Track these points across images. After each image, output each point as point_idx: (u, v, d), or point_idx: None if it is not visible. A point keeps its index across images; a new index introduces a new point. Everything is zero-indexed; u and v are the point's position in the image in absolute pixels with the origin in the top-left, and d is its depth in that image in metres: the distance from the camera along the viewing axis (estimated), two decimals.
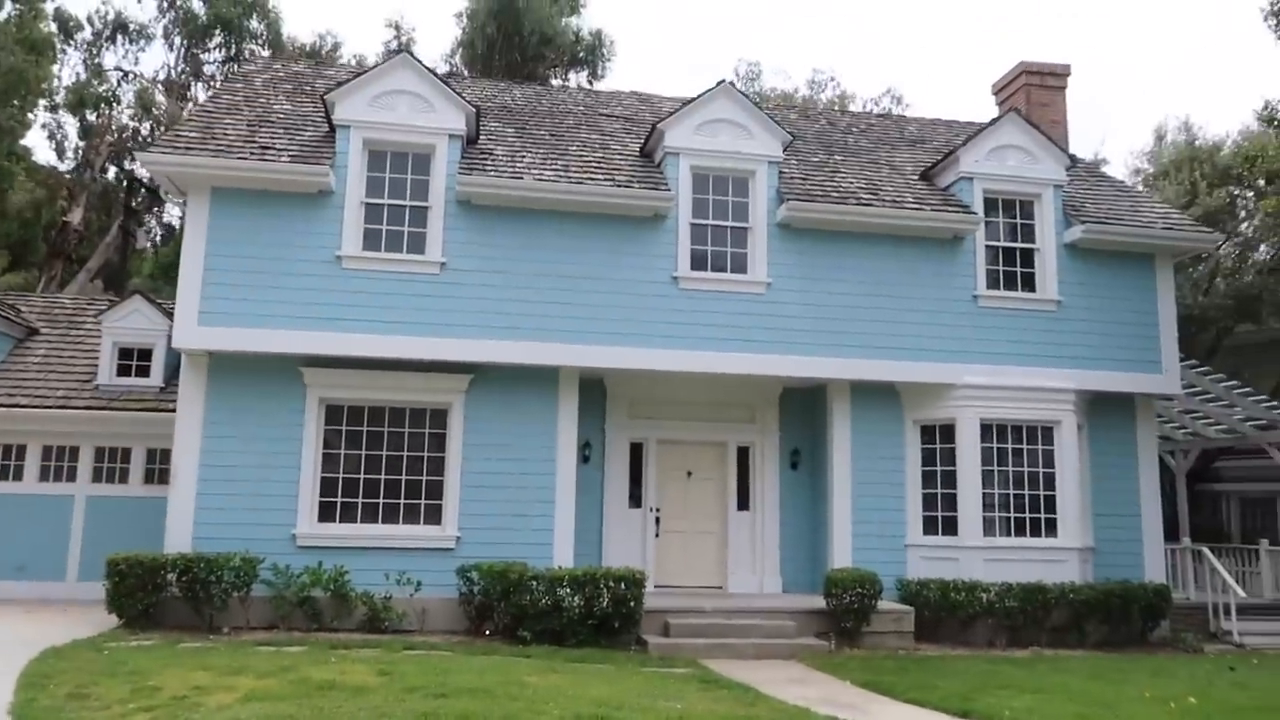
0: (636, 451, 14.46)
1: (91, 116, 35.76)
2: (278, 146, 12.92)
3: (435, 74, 13.55)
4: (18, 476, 14.90)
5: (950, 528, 13.53)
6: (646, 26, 56.12)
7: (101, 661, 8.78)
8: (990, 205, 14.38)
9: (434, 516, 12.73)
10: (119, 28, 36.55)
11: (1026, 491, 13.68)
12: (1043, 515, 13.64)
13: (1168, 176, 26.80)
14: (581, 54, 33.37)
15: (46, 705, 6.99)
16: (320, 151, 12.93)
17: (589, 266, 13.12)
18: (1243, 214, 26.25)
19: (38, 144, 65.08)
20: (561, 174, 13.36)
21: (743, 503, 14.55)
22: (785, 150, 14.09)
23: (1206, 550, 15.23)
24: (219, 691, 7.43)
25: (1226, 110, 50.62)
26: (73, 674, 8.06)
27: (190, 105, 36.65)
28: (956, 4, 57.81)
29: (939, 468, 13.75)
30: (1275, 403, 18.46)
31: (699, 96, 13.84)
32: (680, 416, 14.54)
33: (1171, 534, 16.43)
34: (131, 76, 36.98)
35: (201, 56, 37.05)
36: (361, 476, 12.69)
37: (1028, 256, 14.41)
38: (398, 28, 33.78)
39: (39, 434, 14.91)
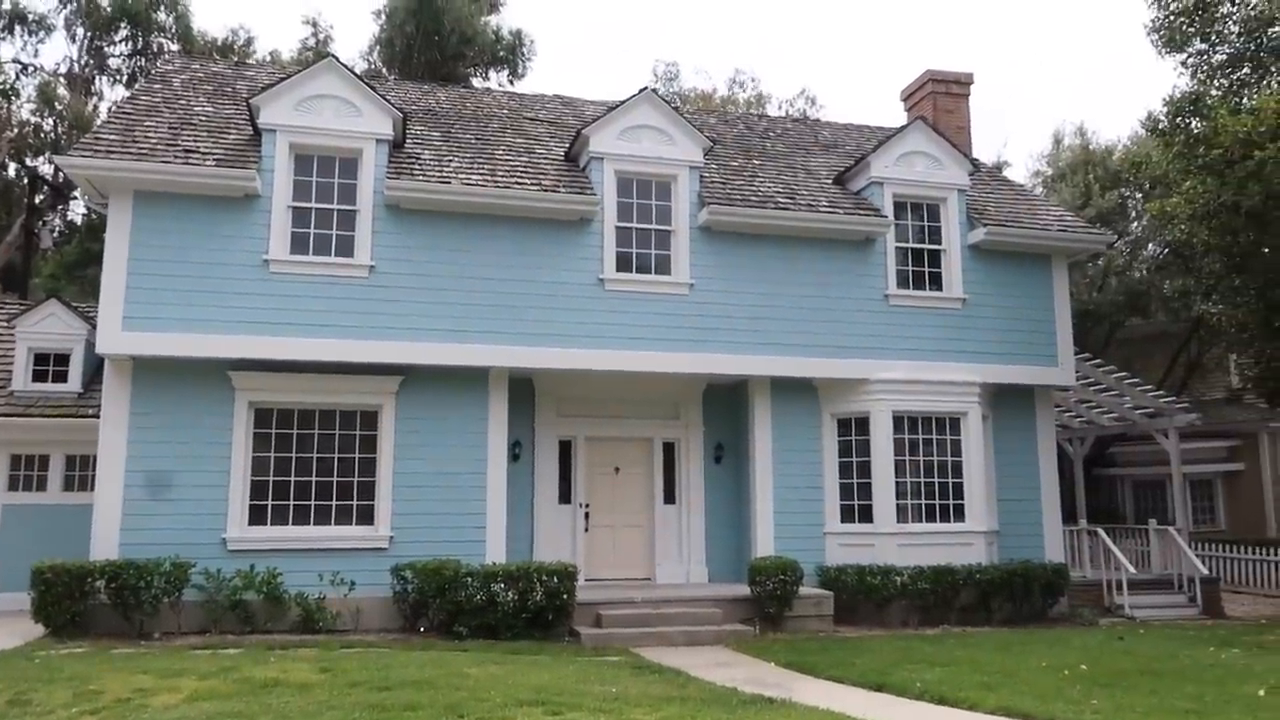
0: (565, 449, 14.81)
1: None
2: (202, 150, 12.87)
3: (361, 78, 13.66)
4: None
5: (866, 515, 14.24)
6: (566, 25, 56.31)
7: (34, 669, 8.76)
8: (899, 208, 15.13)
9: (366, 517, 12.87)
10: (16, 18, 35.13)
11: (936, 479, 14.47)
12: (951, 501, 14.45)
13: (1064, 179, 28.25)
14: (502, 53, 33.40)
15: None
16: (245, 155, 12.92)
17: (517, 269, 13.41)
18: (1133, 215, 27.85)
19: None
20: (489, 178, 13.61)
21: (669, 496, 15.03)
22: (706, 155, 14.60)
23: (1101, 531, 16.28)
24: (163, 693, 7.55)
25: (1119, 116, 53.28)
26: (7, 682, 8.05)
27: (95, 101, 35.55)
28: (869, 7, 59.46)
29: (855, 459, 14.46)
30: (1162, 392, 19.81)
31: (622, 103, 14.24)
32: (608, 414, 14.93)
33: (1070, 516, 17.51)
34: (31, 70, 35.63)
35: (106, 50, 35.89)
36: (293, 479, 12.75)
37: (935, 257, 15.21)
38: (315, 25, 33.31)
39: None
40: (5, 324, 16.36)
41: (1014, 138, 54.12)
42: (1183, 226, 15.11)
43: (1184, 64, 15.55)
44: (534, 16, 50.63)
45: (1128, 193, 27.44)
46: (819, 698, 8.24)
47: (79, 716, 6.91)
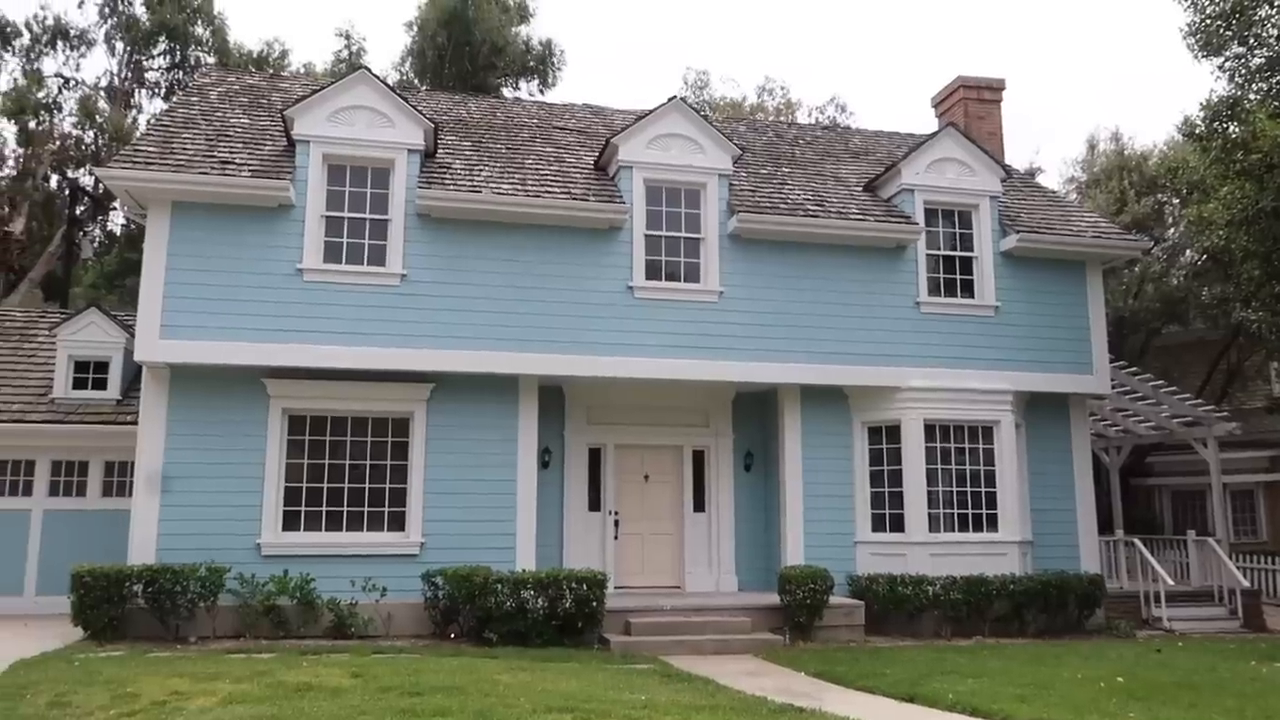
0: (595, 456, 14.84)
1: (32, 124, 35.11)
2: (238, 161, 13.08)
3: (394, 89, 13.82)
4: None
5: (897, 525, 14.13)
6: (596, 35, 56.60)
7: (74, 672, 8.91)
8: (931, 215, 15.04)
9: (398, 523, 12.98)
10: (59, 33, 35.92)
11: (969, 488, 14.32)
12: (984, 511, 14.30)
13: (1099, 185, 27.88)
14: (532, 63, 33.64)
15: (28, 714, 7.15)
16: (280, 166, 13.11)
17: (546, 277, 13.48)
18: (1170, 221, 27.43)
19: None
20: (519, 187, 13.71)
21: (698, 504, 15.01)
22: (735, 163, 14.60)
23: (1138, 541, 16.02)
24: (199, 696, 7.65)
25: (1154, 121, 52.59)
26: (48, 684, 8.19)
27: (134, 113, 36.22)
28: (898, 14, 59.22)
29: (886, 467, 14.35)
30: (1201, 401, 19.48)
31: (651, 112, 14.29)
32: (637, 421, 14.95)
33: (1106, 527, 17.26)
34: (73, 83, 36.39)
35: (145, 63, 36.59)
36: (325, 485, 12.89)
37: (967, 264, 15.09)
38: (348, 37, 33.72)
39: None
40: (47, 332, 16.68)
41: (1047, 144, 53.64)
42: (1221, 232, 14.84)
43: (1221, 68, 15.27)
44: (564, 26, 50.99)
45: (1164, 198, 27.03)
46: (850, 708, 8.18)
47: (117, 718, 7.01)
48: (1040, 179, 27.03)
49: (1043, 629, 13.62)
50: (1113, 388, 16.22)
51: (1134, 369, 18.93)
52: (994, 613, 13.51)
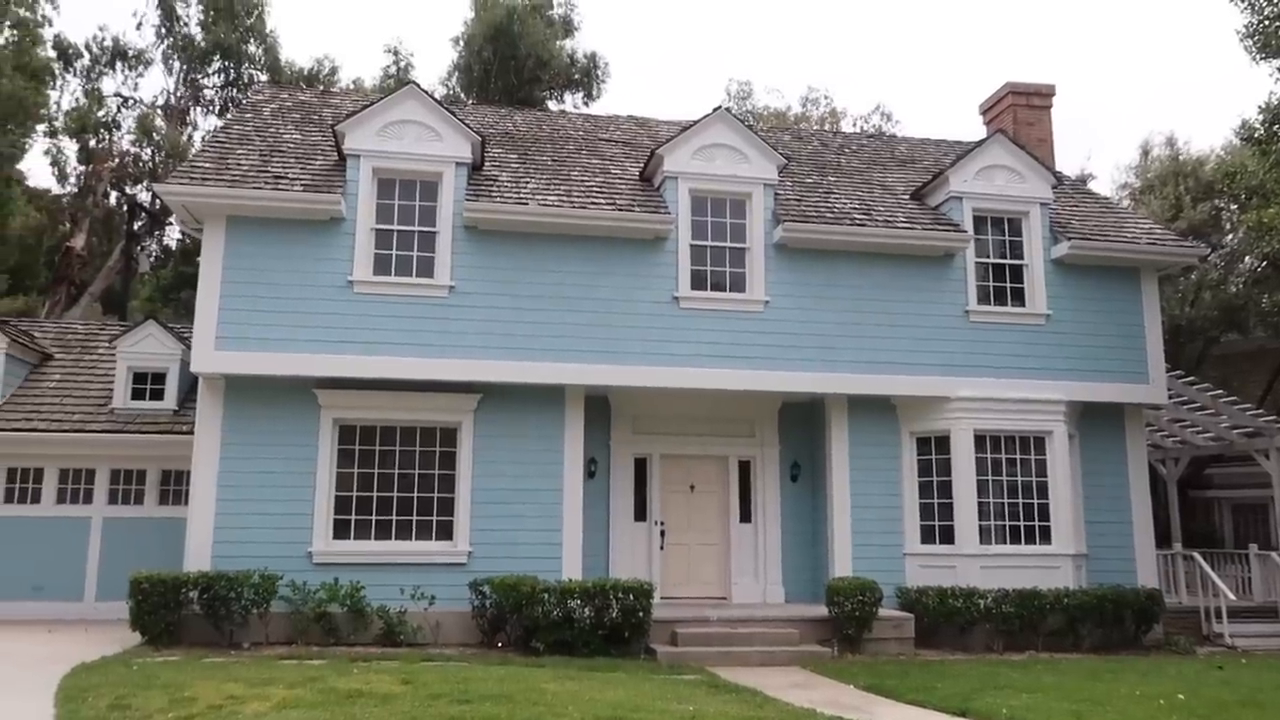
0: (641, 466, 14.84)
1: (92, 142, 36.18)
2: (290, 176, 13.34)
3: (441, 104, 14.01)
4: (35, 499, 15.22)
5: (947, 536, 13.93)
6: (639, 47, 56.89)
7: (133, 675, 9.11)
8: (979, 223, 14.86)
9: (445, 532, 13.09)
10: (117, 54, 37.00)
11: (1021, 500, 14.08)
12: (1037, 523, 14.04)
13: (1153, 191, 27.33)
14: (577, 76, 33.92)
15: (90, 716, 7.33)
16: (331, 180, 13.35)
17: (592, 288, 13.54)
18: (1228, 227, 26.78)
19: (39, 169, 65.54)
20: (565, 199, 13.80)
21: (745, 515, 14.93)
22: (780, 172, 14.56)
23: (1198, 555, 15.62)
24: (253, 701, 7.78)
25: (1210, 125, 51.47)
26: (108, 687, 8.39)
27: (190, 130, 37.15)
28: (945, 22, 58.70)
29: (935, 478, 14.16)
30: (1261, 411, 18.95)
31: (696, 122, 14.32)
32: (683, 432, 14.92)
33: (1164, 540, 16.85)
34: (131, 102, 37.43)
35: (201, 81, 37.52)
36: (375, 494, 13.05)
37: (1017, 272, 14.87)
38: (396, 53, 34.28)
39: (56, 457, 15.25)
40: (107, 344, 17.14)
41: (1099, 150, 52.72)
42: None
43: None
44: (608, 40, 51.32)
45: (1222, 204, 26.39)
46: None
47: None
48: (1092, 186, 26.55)
49: (1098, 644, 13.32)
50: (1170, 397, 15.85)
51: (1191, 378, 18.48)
52: (1047, 627, 13.24)
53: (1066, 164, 32.92)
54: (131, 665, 9.86)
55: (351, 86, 35.80)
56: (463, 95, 32.98)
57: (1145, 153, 29.82)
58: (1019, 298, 14.80)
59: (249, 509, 12.57)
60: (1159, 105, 53.24)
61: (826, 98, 38.08)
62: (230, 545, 12.38)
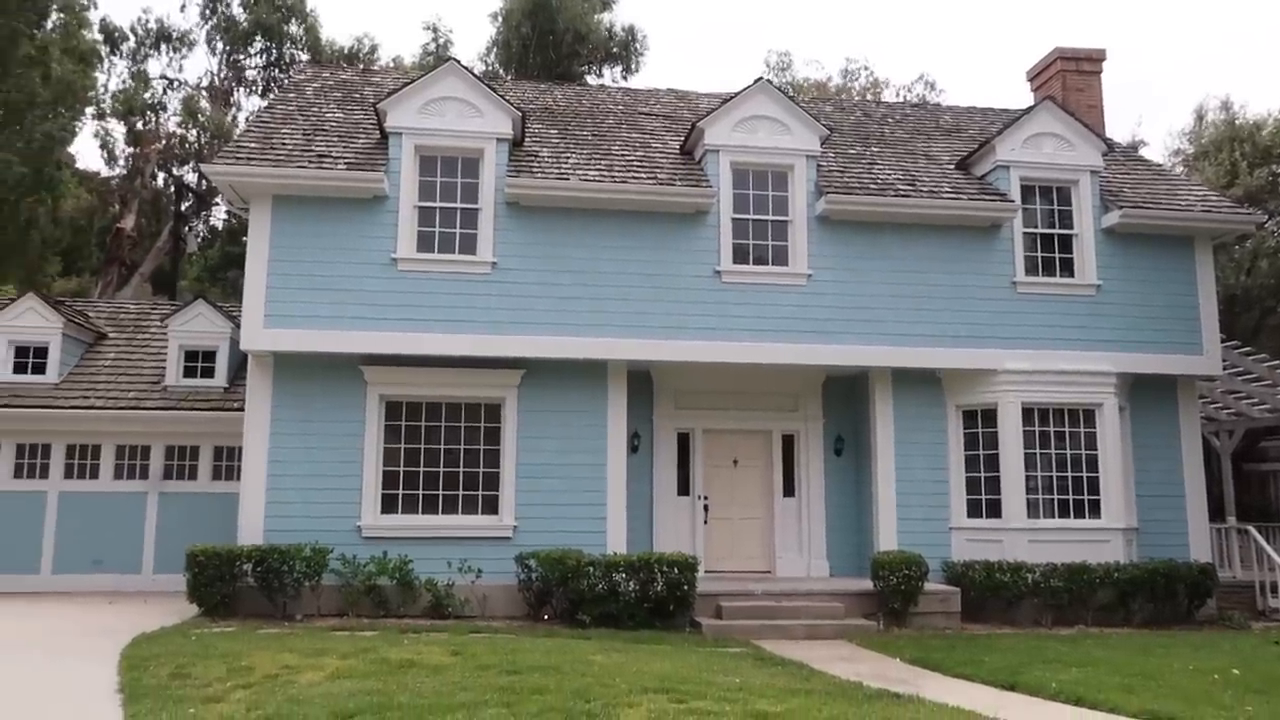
0: (684, 441, 14.86)
1: (139, 124, 36.76)
2: (334, 155, 13.45)
3: (482, 80, 14.00)
4: (94, 475, 15.63)
5: (994, 510, 13.79)
6: (677, 19, 56.33)
7: (192, 645, 9.36)
8: (1027, 192, 14.57)
9: (491, 506, 13.23)
10: (162, 36, 37.46)
11: (1070, 473, 13.88)
12: (1086, 497, 13.84)
13: (1208, 157, 26.62)
14: (615, 50, 33.74)
15: (153, 684, 7.54)
16: (373, 158, 13.44)
17: (634, 263, 13.51)
18: None
19: (88, 152, 66.77)
20: (605, 174, 13.77)
21: (788, 489, 14.91)
22: (823, 144, 14.38)
23: (1252, 529, 15.32)
24: (307, 670, 7.95)
25: (1268, 87, 49.80)
26: (169, 657, 8.63)
27: (234, 111, 37.59)
28: None
29: (982, 451, 14.01)
30: None
31: (737, 94, 14.17)
32: (725, 406, 14.91)
33: (1218, 514, 16.52)
34: (176, 84, 37.92)
35: (243, 62, 37.89)
36: (421, 469, 13.22)
37: (1066, 242, 14.58)
38: (435, 30, 34.32)
39: (113, 434, 15.63)
40: (158, 324, 17.48)
41: (1151, 115, 51.29)
42: None
43: None
44: (645, 12, 50.86)
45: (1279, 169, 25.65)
46: (947, 695, 8.04)
47: (233, 690, 7.34)
48: (1144, 152, 25.93)
49: (1149, 619, 13.15)
50: (1224, 368, 15.48)
51: (1247, 349, 18.01)
52: (1097, 601, 13.09)
53: (1117, 130, 32.17)
54: (190, 635, 10.13)
55: (391, 64, 35.96)
56: (501, 71, 32.98)
57: (1200, 117, 29.03)
58: (1068, 268, 14.52)
59: (299, 484, 12.80)
60: (1214, 68, 51.70)
61: (867, 69, 37.51)
62: (282, 519, 12.63)
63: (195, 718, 6.43)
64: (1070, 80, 17.51)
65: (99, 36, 35.67)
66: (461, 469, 13.29)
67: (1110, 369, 14.06)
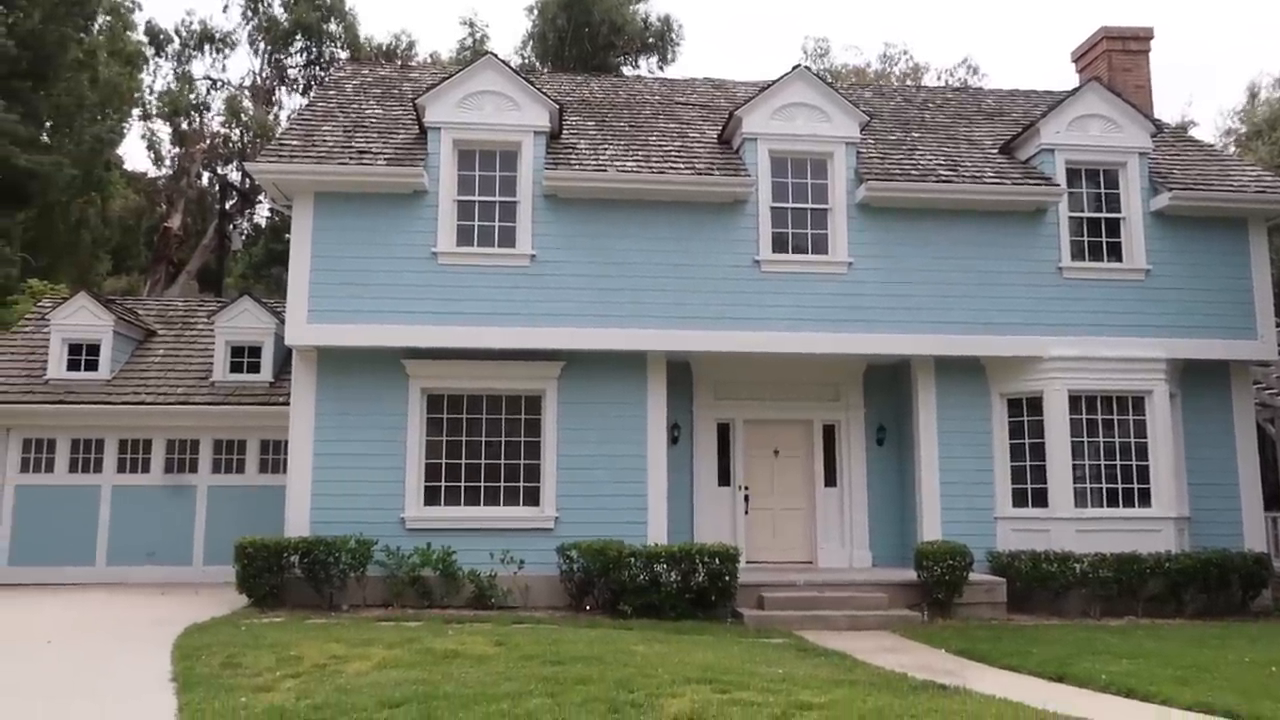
0: (724, 431, 14.82)
1: (184, 124, 37.42)
2: (373, 150, 13.57)
3: (518, 73, 14.04)
4: (145, 469, 15.98)
5: (1040, 500, 13.59)
6: (713, 7, 56.00)
7: (242, 635, 9.54)
8: (1073, 176, 14.30)
9: (532, 498, 13.31)
10: (205, 38, 38.08)
11: (1119, 462, 13.63)
12: (1135, 485, 13.59)
13: (1262, 136, 25.93)
14: (651, 40, 33.69)
15: (205, 673, 7.70)
16: (413, 153, 13.54)
17: (672, 253, 13.48)
18: None
19: (135, 153, 68.09)
20: (643, 164, 13.74)
21: (830, 479, 14.80)
22: (862, 130, 14.23)
23: None
24: (355, 660, 8.07)
25: None
26: (220, 647, 8.80)
27: (276, 109, 38.11)
28: None
29: (1027, 440, 13.80)
30: None
31: (775, 82, 14.06)
32: (765, 396, 14.84)
33: (1273, 502, 16.12)
34: (220, 84, 38.54)
35: (284, 61, 38.39)
36: (463, 461, 13.33)
37: (1113, 226, 14.29)
38: (471, 25, 34.52)
39: (163, 429, 15.97)
40: (205, 320, 17.80)
41: (1200, 94, 50.15)
42: None
43: None
44: (682, 1, 50.61)
45: None
46: (995, 686, 7.93)
47: (283, 679, 7.47)
48: (1194, 133, 25.29)
49: (1202, 610, 12.88)
50: (1279, 353, 15.09)
51: None
52: (1147, 592, 12.85)
53: (1166, 111, 31.44)
54: (240, 626, 10.33)
55: (429, 60, 36.22)
56: (538, 64, 33.05)
57: (1252, 95, 28.29)
58: (1116, 252, 14.23)
59: (344, 476, 12.96)
60: (1266, 44, 50.26)
61: (906, 53, 37.05)
62: (327, 512, 12.80)
63: (246, 706, 6.55)
64: (1117, 60, 17.13)
65: (144, 38, 36.41)
66: (503, 461, 13.38)
67: (1160, 355, 13.77)
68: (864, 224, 13.83)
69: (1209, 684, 8.12)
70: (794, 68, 14.18)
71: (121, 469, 15.96)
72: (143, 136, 38.09)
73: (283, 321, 14.51)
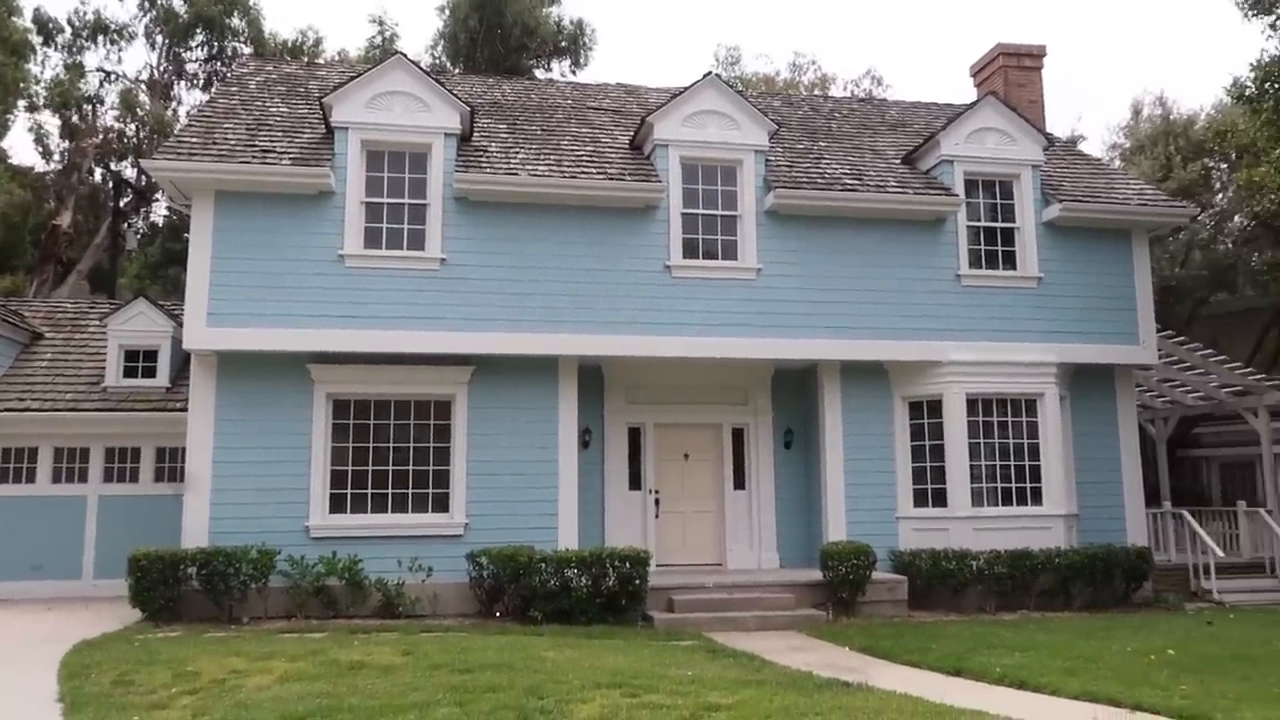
0: (635, 435, 14.90)
1: (74, 118, 35.74)
2: (278, 149, 13.23)
3: (429, 74, 13.87)
4: (30, 479, 15.20)
5: (940, 499, 14.05)
6: (625, 12, 56.24)
7: (135, 651, 9.18)
8: (971, 186, 14.84)
9: (442, 505, 13.15)
10: (99, 28, 36.44)
11: (1012, 462, 14.20)
12: (1028, 484, 14.17)
13: (1144, 151, 27.28)
14: (563, 44, 33.59)
15: (94, 692, 7.38)
16: (319, 153, 13.24)
17: (584, 258, 13.50)
18: (1217, 186, 26.78)
19: (23, 147, 64.75)
20: (555, 169, 13.73)
21: (739, 482, 15.03)
22: (771, 138, 14.49)
23: (1186, 513, 15.79)
24: (255, 674, 7.85)
25: (1201, 83, 51.23)
26: (111, 664, 8.45)
27: (174, 105, 36.73)
28: None
29: (928, 442, 14.26)
30: (1250, 370, 19.07)
31: (686, 89, 14.22)
32: (676, 400, 14.97)
33: (1153, 499, 17.00)
34: (114, 77, 36.94)
35: (184, 55, 37.03)
36: (370, 468, 13.08)
37: (1008, 235, 14.88)
38: (381, 23, 33.84)
39: (50, 436, 15.21)
40: (98, 323, 17.05)
41: (1089, 110, 52.45)
42: (1272, 196, 14.52)
43: (1273, 26, 14.79)
44: (594, 6, 50.67)
45: (1212, 163, 26.37)
46: (896, 682, 8.19)
47: (179, 696, 7.22)
48: (1083, 146, 26.49)
49: (1089, 603, 13.50)
50: (1159, 358, 15.94)
51: (1181, 338, 18.57)
52: (1039, 586, 13.40)
53: (1057, 125, 32.80)
54: (133, 641, 9.93)
55: (337, 58, 35.40)
56: (449, 65, 32.65)
57: (1136, 112, 29.74)
58: (1010, 261, 14.83)
59: (245, 484, 12.59)
60: (1150, 64, 53.03)
61: (814, 63, 37.86)
62: (227, 521, 12.41)
63: None
64: (1012, 76, 17.86)
65: (31, 26, 34.63)
66: (411, 467, 13.19)
67: (1051, 359, 14.39)
68: (773, 231, 14.09)
69: (1094, 673, 8.54)
70: (705, 75, 14.37)
71: (4, 479, 15.14)
72: (29, 129, 36.17)
73: (180, 324, 14.00)
